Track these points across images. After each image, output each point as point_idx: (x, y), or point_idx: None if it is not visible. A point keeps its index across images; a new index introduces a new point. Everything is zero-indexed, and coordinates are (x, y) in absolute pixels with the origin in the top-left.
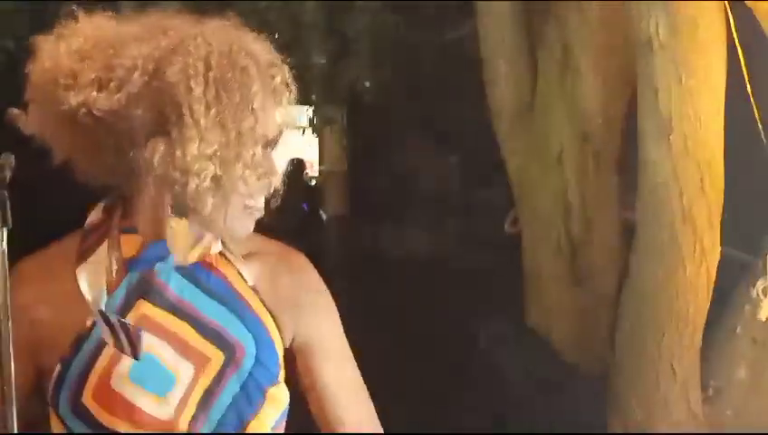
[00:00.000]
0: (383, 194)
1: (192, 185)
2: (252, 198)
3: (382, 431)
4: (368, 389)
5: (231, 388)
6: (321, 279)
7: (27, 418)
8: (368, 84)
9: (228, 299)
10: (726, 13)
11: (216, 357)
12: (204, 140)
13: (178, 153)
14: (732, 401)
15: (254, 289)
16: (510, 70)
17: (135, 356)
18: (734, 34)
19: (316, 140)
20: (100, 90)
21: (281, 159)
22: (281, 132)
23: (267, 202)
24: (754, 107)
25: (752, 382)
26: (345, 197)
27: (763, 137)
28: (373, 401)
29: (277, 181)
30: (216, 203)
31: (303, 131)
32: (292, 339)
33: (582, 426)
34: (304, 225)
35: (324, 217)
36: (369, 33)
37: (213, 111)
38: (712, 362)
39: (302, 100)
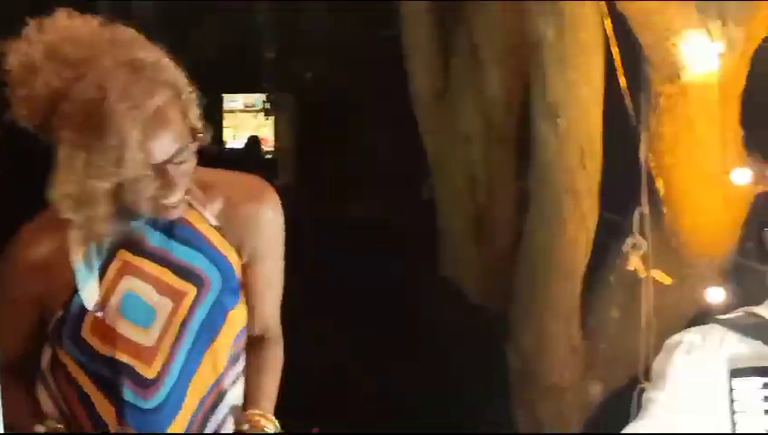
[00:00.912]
0: (326, 167)
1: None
2: (165, 199)
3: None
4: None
5: (200, 315)
6: (276, 201)
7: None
8: (310, 75)
9: (195, 241)
10: (603, 18)
11: (190, 292)
12: (71, 171)
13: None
14: (606, 336)
15: (216, 227)
16: (426, 63)
17: None
18: (611, 36)
19: (271, 121)
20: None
21: (240, 138)
22: (175, 151)
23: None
24: (626, 95)
25: (622, 321)
26: (294, 168)
27: (632, 121)
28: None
29: (181, 187)
30: (132, 203)
31: (257, 114)
32: (246, 255)
33: (484, 355)
34: None
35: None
36: (314, 31)
37: (82, 154)
38: (590, 305)
39: (256, 88)
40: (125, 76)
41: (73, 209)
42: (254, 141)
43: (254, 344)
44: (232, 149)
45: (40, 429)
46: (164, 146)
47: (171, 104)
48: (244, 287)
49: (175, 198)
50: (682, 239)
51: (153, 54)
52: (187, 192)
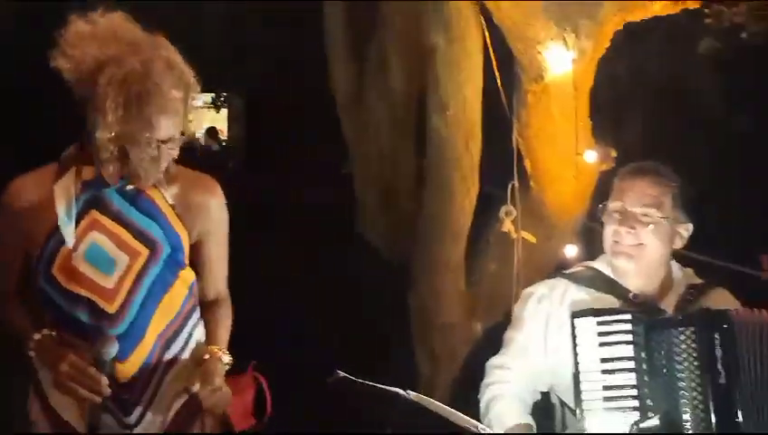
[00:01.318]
0: (269, 152)
1: (104, 155)
2: (147, 170)
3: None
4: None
5: (153, 271)
6: (221, 194)
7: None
8: (257, 75)
9: (153, 213)
10: (483, 30)
11: (144, 252)
12: (107, 129)
13: (96, 133)
14: (486, 286)
15: (172, 206)
16: (343, 68)
17: None
18: (489, 44)
19: (224, 115)
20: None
21: (199, 129)
22: (171, 136)
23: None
24: (501, 92)
25: (498, 274)
26: (243, 153)
27: (507, 113)
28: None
29: (163, 165)
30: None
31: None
32: (196, 235)
33: (388, 300)
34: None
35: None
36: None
37: (119, 113)
38: (474, 260)
39: (209, 88)
40: (162, 66)
41: (106, 149)
42: (212, 132)
43: (209, 306)
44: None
45: (37, 335)
46: (169, 128)
47: (182, 100)
48: (195, 262)
49: (156, 171)
50: (545, 207)
51: (180, 60)
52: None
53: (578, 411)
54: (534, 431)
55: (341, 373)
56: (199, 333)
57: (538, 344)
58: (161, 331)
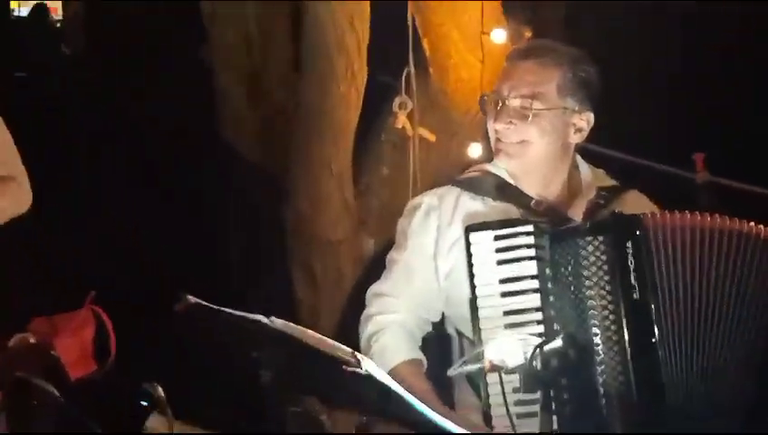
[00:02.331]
0: (112, 36)
1: None
2: None
3: None
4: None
5: None
6: None
7: None
8: None
9: None
10: None
11: None
12: None
13: None
14: (378, 193)
15: None
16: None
17: None
18: None
19: None
20: None
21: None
22: None
23: None
24: None
25: (392, 179)
26: (82, 38)
27: None
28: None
29: None
30: None
31: None
32: None
33: (258, 214)
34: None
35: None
36: None
37: None
38: (363, 164)
39: None
40: None
41: None
42: (40, 9)
43: None
44: (19, 18)
45: None
46: None
47: None
48: None
49: None
50: (447, 97)
51: None
52: None
53: (476, 341)
54: (425, 368)
55: (192, 299)
56: None
57: (426, 267)
58: None
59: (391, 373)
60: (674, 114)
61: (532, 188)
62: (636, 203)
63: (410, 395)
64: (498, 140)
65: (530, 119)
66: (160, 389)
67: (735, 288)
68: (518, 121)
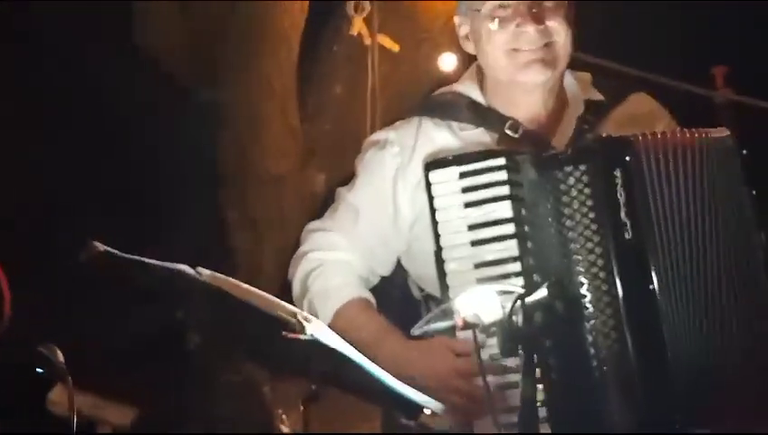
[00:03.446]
0: None
1: None
2: None
3: None
4: None
5: None
6: None
7: None
8: None
9: None
10: None
11: None
12: None
13: None
14: (329, 117)
15: None
16: None
17: None
18: None
19: None
20: None
21: None
22: None
23: None
24: None
25: (347, 99)
26: None
27: None
28: None
29: None
30: None
31: None
32: None
33: (186, 144)
34: None
35: None
36: None
37: None
38: (310, 80)
39: None
40: None
41: None
42: None
43: None
44: None
45: None
46: None
47: None
48: None
49: None
50: None
51: None
52: None
53: (444, 301)
54: (374, 307)
55: (100, 246)
56: None
57: (379, 210)
58: None
59: (338, 315)
60: (689, 21)
61: (522, 109)
62: (634, 111)
63: (364, 358)
64: (515, 50)
65: (560, 10)
66: (59, 353)
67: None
68: (548, 16)
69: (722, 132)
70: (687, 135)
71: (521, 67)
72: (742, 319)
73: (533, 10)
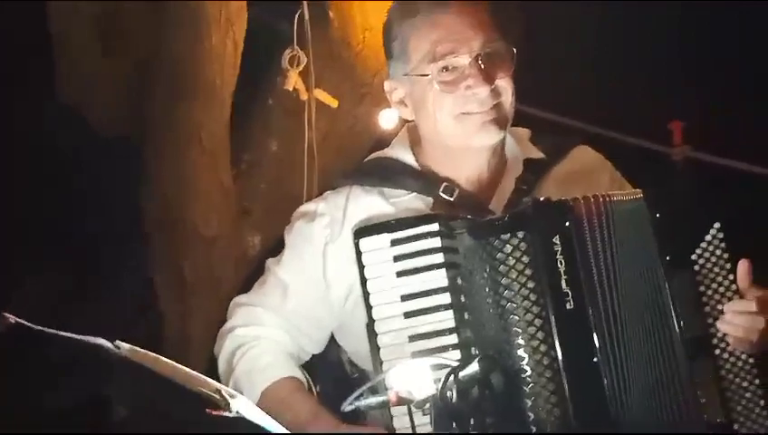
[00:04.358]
0: None
1: None
2: None
3: None
4: None
5: None
6: None
7: None
8: None
9: None
10: None
11: None
12: None
13: None
14: (264, 175)
15: None
16: None
17: None
18: None
19: None
20: None
21: None
22: None
23: None
24: None
25: (283, 156)
26: None
27: None
28: None
29: None
30: None
31: None
32: None
33: (116, 200)
34: None
35: None
36: None
37: None
38: (244, 136)
39: None
40: None
41: None
42: None
43: None
44: None
45: None
46: None
47: None
48: None
49: None
50: (352, 51)
51: None
52: None
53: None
54: (304, 387)
55: (11, 318)
56: None
57: (308, 287)
58: None
59: (265, 396)
60: (647, 78)
61: (451, 173)
62: (577, 169)
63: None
64: (466, 114)
65: (511, 69)
66: None
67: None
68: (505, 76)
69: (636, 193)
70: (624, 198)
71: (474, 131)
72: (672, 381)
73: (482, 66)
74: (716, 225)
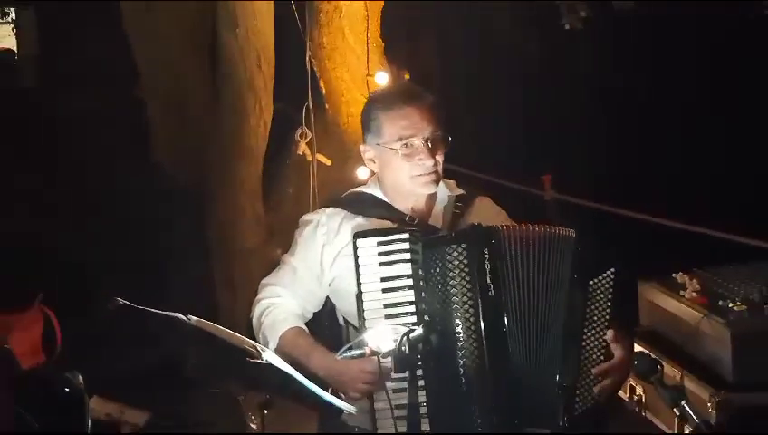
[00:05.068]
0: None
1: None
2: None
3: None
4: None
5: None
6: None
7: None
8: None
9: None
10: None
11: None
12: None
13: None
14: (284, 209)
15: None
16: None
17: None
18: None
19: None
20: None
21: None
22: None
23: None
24: (294, 10)
25: (296, 196)
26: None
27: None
28: None
29: None
30: None
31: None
32: None
33: (184, 229)
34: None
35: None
36: None
37: None
38: (271, 183)
39: None
40: None
41: None
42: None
43: None
44: None
45: None
46: None
47: None
48: None
49: None
50: (340, 129)
51: None
52: None
53: (361, 329)
54: (307, 333)
55: (120, 300)
56: None
57: (309, 272)
58: None
59: (282, 338)
60: (526, 141)
61: (404, 205)
62: (485, 207)
63: (301, 374)
64: (418, 176)
65: (447, 149)
66: (80, 377)
67: (555, 285)
68: (442, 151)
69: (567, 231)
70: (537, 228)
71: (421, 185)
72: (560, 349)
73: (430, 146)
74: (612, 269)
